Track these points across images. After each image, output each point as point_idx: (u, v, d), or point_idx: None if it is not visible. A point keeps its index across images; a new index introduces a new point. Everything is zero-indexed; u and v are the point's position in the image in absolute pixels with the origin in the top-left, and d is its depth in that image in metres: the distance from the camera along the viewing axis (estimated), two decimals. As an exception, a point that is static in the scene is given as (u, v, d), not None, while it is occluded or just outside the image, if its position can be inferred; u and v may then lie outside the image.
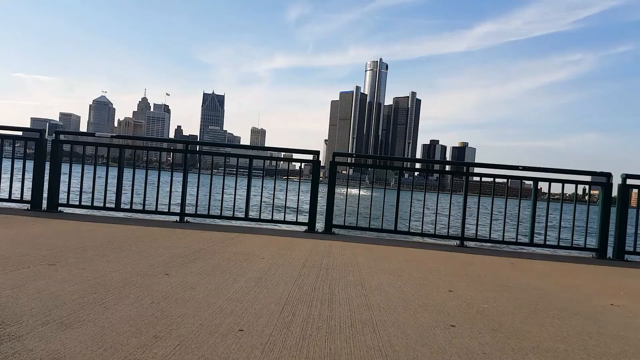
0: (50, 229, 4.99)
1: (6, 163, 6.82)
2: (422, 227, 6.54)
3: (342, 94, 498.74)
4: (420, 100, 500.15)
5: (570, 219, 6.45)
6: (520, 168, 6.56)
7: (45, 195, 6.73)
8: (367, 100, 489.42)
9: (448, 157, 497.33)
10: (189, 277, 3.11)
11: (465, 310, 2.82)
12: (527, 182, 6.75)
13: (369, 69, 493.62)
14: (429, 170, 9.28)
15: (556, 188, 6.54)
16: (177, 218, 6.68)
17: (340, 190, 7.07)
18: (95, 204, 6.74)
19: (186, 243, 4.61)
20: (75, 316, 2.11)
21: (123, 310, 2.26)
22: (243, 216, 6.75)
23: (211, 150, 7.58)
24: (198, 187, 6.98)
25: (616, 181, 6.36)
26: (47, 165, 6.80)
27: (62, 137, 7.02)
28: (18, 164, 6.90)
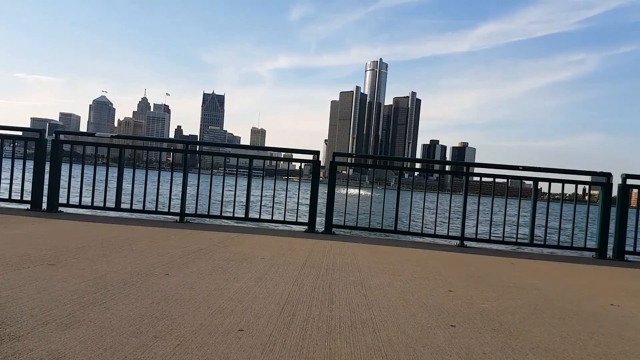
0: (50, 229, 4.99)
1: (6, 163, 6.82)
2: (422, 227, 6.53)
3: (342, 93, 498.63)
4: (420, 100, 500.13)
5: (571, 219, 6.45)
6: (520, 168, 6.55)
7: (45, 195, 6.73)
8: (367, 100, 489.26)
9: (448, 157, 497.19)
10: (189, 277, 3.11)
11: (465, 310, 2.81)
12: (527, 182, 6.75)
13: (369, 69, 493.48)
14: (429, 170, 9.32)
15: (556, 188, 6.55)
16: (177, 218, 6.68)
17: (340, 191, 7.07)
18: (95, 204, 6.74)
19: (186, 243, 4.61)
20: (75, 316, 2.10)
21: (123, 310, 2.26)
22: (243, 216, 6.75)
23: (211, 150, 7.60)
24: (198, 187, 6.98)
25: (616, 181, 6.36)
26: (47, 165, 6.80)
27: (62, 137, 7.02)
28: (18, 164, 6.90)
